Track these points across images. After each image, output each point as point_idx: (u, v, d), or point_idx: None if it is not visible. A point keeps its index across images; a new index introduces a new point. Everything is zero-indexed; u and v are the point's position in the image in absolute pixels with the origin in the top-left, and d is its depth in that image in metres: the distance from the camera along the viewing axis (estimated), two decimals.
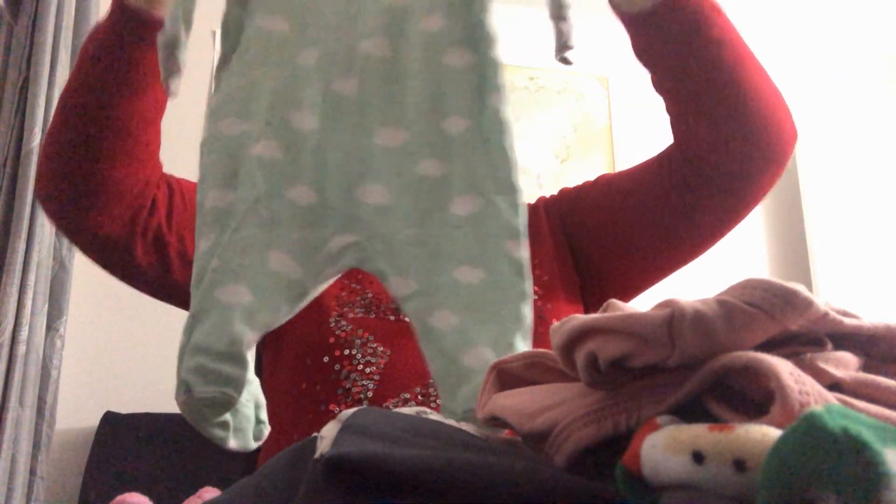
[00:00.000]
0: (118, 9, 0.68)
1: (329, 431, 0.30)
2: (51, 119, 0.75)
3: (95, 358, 2.03)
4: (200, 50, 2.31)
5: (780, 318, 0.26)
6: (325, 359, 0.73)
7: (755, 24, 2.80)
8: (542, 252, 0.82)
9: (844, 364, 0.28)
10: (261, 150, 0.44)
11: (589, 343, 0.29)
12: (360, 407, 0.34)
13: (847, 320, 0.29)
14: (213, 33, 2.31)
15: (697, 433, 0.23)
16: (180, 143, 2.22)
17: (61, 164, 0.72)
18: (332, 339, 0.74)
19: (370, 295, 0.78)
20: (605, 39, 2.83)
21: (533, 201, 0.90)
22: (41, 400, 1.73)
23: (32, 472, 1.69)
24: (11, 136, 1.78)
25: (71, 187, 0.72)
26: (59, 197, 0.74)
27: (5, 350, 1.64)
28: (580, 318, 0.30)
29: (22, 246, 1.69)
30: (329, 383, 0.73)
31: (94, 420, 1.89)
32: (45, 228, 1.76)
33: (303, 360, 0.75)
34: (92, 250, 0.77)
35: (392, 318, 0.76)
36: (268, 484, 0.31)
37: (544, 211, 0.88)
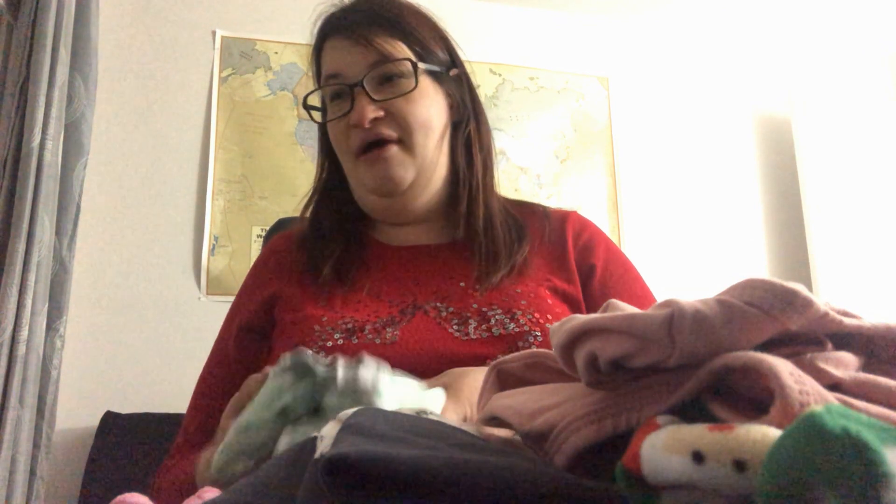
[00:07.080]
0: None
1: (329, 431, 0.30)
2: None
3: (95, 358, 2.03)
4: (200, 50, 2.31)
5: (780, 318, 0.26)
6: None
7: (759, 22, 2.80)
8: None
9: (844, 364, 0.28)
10: None
11: (589, 343, 0.29)
12: (360, 407, 0.34)
13: (847, 320, 0.29)
14: (213, 33, 2.31)
15: (697, 433, 0.23)
16: (180, 143, 2.22)
17: None
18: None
19: (349, 321, 0.78)
20: (605, 39, 2.84)
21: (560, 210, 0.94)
22: (41, 400, 1.72)
23: (32, 472, 1.69)
24: (11, 136, 1.78)
25: None
26: None
27: (5, 350, 1.63)
28: (580, 318, 0.30)
29: (22, 246, 1.69)
30: None
31: (94, 420, 1.89)
32: (45, 228, 1.76)
33: None
34: None
35: (377, 340, 0.76)
36: (268, 484, 0.31)
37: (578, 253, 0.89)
